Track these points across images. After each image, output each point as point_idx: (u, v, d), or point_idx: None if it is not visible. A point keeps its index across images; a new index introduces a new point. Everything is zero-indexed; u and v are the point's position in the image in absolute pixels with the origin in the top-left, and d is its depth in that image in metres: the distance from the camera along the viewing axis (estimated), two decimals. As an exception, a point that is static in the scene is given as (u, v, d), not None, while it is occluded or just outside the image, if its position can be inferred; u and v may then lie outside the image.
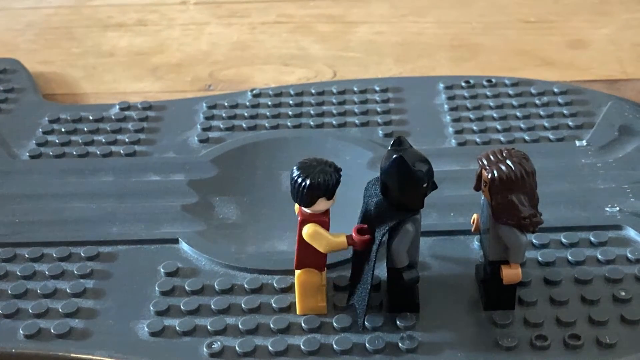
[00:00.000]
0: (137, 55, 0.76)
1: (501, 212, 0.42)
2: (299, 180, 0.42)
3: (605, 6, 0.81)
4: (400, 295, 0.45)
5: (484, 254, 0.46)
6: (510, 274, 0.44)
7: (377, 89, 0.66)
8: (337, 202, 0.43)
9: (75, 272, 0.50)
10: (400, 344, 0.44)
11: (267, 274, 0.49)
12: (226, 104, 0.65)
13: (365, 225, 0.44)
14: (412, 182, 0.42)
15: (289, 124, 0.62)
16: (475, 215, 0.46)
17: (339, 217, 0.45)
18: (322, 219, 0.43)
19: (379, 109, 0.63)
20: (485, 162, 0.42)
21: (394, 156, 0.41)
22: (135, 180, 0.57)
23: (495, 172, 0.42)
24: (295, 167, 0.43)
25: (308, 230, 0.43)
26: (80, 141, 0.61)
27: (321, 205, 0.43)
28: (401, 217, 0.43)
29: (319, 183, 0.42)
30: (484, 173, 0.42)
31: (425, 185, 0.42)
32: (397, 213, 0.43)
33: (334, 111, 0.63)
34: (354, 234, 0.43)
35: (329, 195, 0.42)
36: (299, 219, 0.43)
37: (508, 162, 0.42)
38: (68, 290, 0.48)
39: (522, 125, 0.60)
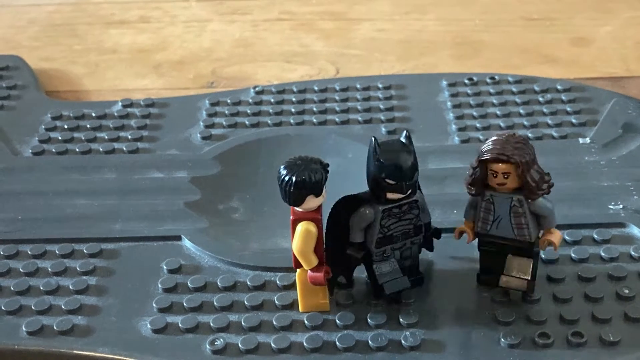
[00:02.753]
0: (140, 52, 0.76)
1: (538, 186, 0.42)
2: (285, 179, 0.42)
3: (609, 4, 0.81)
4: (372, 280, 0.45)
5: (507, 245, 0.45)
6: (557, 237, 0.44)
7: (380, 86, 0.66)
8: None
9: (78, 269, 0.50)
10: (403, 341, 0.44)
11: (269, 271, 0.49)
12: (229, 101, 0.65)
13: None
14: (371, 166, 0.42)
15: (291, 121, 0.62)
16: (459, 228, 0.45)
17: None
18: (315, 216, 0.43)
19: (381, 107, 0.63)
20: (506, 154, 0.42)
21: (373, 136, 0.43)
22: (137, 177, 0.57)
23: (518, 156, 0.42)
24: (281, 167, 0.42)
25: (301, 228, 0.42)
26: (83, 138, 0.61)
27: (311, 203, 0.42)
28: (366, 197, 0.43)
29: (304, 180, 0.41)
30: (507, 165, 0.42)
31: (388, 181, 0.42)
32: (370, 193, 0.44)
33: (337, 108, 0.63)
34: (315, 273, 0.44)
35: (317, 192, 0.42)
36: (291, 217, 0.43)
37: (514, 143, 0.42)
38: (71, 287, 0.48)
39: (525, 123, 0.60)
